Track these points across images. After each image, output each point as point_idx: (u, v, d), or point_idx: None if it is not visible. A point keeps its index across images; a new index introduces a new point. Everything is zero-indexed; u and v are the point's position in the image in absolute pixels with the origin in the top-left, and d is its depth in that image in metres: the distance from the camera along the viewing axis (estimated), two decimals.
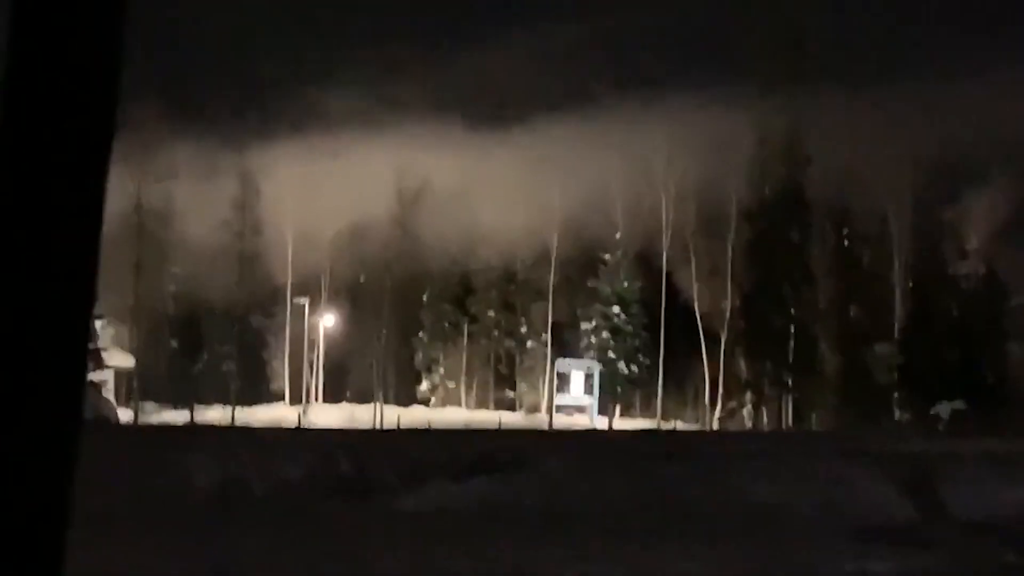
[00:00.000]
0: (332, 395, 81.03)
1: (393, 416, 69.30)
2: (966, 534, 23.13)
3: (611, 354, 79.39)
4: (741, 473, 28.58)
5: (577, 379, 76.81)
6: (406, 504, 25.41)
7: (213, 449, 29.31)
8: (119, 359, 70.15)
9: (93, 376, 50.61)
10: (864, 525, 23.26)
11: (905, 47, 78.82)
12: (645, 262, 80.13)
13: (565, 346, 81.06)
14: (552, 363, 78.87)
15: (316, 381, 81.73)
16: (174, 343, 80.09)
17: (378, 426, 67.71)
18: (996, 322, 74.84)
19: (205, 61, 78.64)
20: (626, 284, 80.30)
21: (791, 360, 75.03)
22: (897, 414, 75.09)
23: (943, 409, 65.83)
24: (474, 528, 22.63)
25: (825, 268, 77.29)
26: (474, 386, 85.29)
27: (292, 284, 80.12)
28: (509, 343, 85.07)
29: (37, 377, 2.90)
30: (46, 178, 2.91)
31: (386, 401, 75.11)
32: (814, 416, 76.60)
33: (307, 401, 78.33)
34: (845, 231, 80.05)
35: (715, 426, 74.43)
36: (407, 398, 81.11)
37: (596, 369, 77.06)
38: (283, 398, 79.44)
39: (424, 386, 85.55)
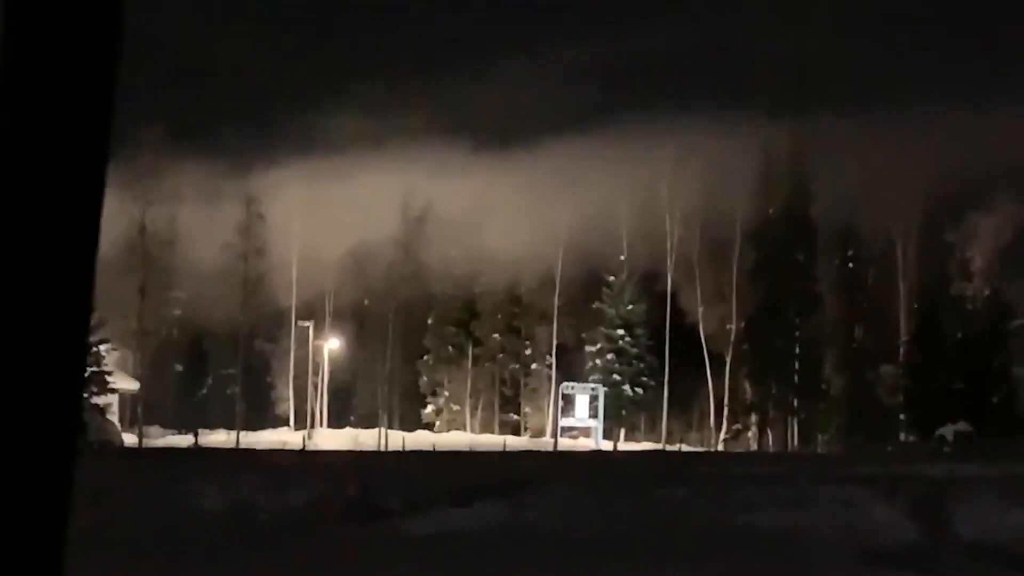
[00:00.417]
0: (336, 419, 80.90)
1: (398, 440, 69.14)
2: (973, 556, 23.04)
3: (616, 376, 79.30)
4: (746, 495, 28.54)
5: (582, 402, 76.76)
6: (411, 527, 25.34)
7: (218, 473, 29.25)
8: (124, 383, 69.97)
9: (98, 400, 50.53)
10: (870, 547, 23.17)
11: (910, 71, 79.21)
12: (650, 284, 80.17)
13: (570, 369, 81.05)
14: (557, 386, 78.82)
15: (320, 405, 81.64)
16: (179, 367, 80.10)
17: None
18: (1001, 343, 74.77)
19: (210, 84, 78.66)
20: (631, 306, 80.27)
21: (796, 382, 74.96)
22: (903, 436, 74.97)
23: (948, 431, 65.85)
24: (481, 551, 22.54)
25: (830, 290, 77.27)
26: (479, 409, 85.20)
27: (296, 307, 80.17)
28: (514, 366, 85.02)
29: (36, 380, 2.88)
30: (43, 182, 2.89)
31: (391, 425, 74.91)
32: (820, 438, 76.50)
33: (312, 425, 78.19)
34: (850, 253, 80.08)
35: (720, 448, 74.30)
36: (412, 422, 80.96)
37: (601, 391, 76.97)
38: (288, 422, 79.34)
39: (429, 410, 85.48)
